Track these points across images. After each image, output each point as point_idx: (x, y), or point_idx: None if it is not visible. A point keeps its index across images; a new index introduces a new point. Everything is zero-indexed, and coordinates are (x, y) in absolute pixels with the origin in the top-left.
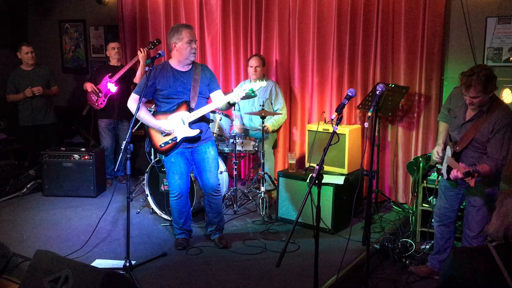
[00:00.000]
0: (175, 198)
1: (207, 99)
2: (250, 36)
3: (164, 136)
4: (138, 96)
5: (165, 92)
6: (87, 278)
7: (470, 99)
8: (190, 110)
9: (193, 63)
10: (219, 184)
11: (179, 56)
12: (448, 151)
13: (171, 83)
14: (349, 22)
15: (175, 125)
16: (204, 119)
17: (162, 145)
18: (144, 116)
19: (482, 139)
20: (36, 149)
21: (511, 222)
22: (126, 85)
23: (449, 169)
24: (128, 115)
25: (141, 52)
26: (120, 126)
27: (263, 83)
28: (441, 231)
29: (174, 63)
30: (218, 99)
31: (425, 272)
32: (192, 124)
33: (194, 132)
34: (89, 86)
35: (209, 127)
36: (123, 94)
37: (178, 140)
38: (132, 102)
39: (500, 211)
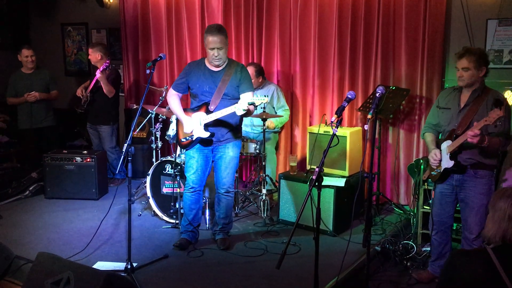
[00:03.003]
0: (187, 192)
1: (236, 101)
2: (251, 38)
3: (186, 132)
4: (174, 91)
5: (194, 90)
6: (89, 280)
7: (460, 72)
8: (207, 112)
9: (230, 62)
10: (232, 186)
11: (208, 58)
12: (445, 145)
13: (200, 82)
14: (350, 25)
15: (194, 124)
16: (225, 122)
17: (183, 140)
18: (175, 108)
19: (482, 119)
20: (36, 152)
21: (508, 226)
22: (101, 94)
23: (453, 156)
24: (105, 120)
25: (98, 74)
26: (100, 130)
27: (265, 99)
28: (438, 238)
29: (207, 62)
30: (242, 100)
31: (426, 278)
32: (210, 126)
33: (206, 134)
34: (77, 91)
35: (234, 129)
36: (98, 102)
37: (193, 139)
38: (168, 95)
39: (494, 215)
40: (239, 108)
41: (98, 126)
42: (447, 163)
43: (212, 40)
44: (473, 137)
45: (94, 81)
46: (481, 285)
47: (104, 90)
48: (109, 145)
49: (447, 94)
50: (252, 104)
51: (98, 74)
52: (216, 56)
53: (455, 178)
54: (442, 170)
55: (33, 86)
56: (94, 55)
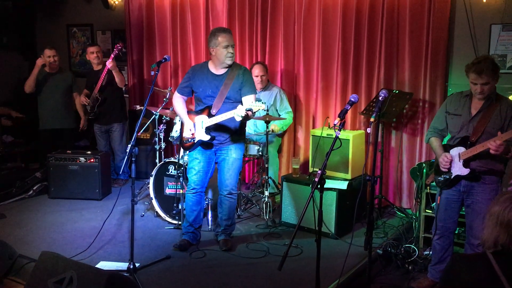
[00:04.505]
0: (189, 193)
1: (238, 104)
2: (255, 41)
3: (184, 136)
4: (178, 94)
5: (197, 94)
6: (92, 279)
7: (481, 87)
8: (209, 115)
9: (233, 66)
10: (235, 188)
11: (216, 60)
12: (456, 151)
13: (203, 85)
14: (354, 28)
15: (196, 127)
16: (227, 125)
17: (185, 142)
18: (179, 110)
19: (495, 127)
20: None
21: (500, 232)
22: (110, 91)
23: (466, 163)
24: (118, 118)
25: (110, 62)
26: (112, 129)
27: (262, 106)
28: (441, 242)
29: (211, 65)
30: (240, 106)
31: (427, 286)
32: (212, 129)
33: (207, 137)
34: (81, 99)
35: (236, 132)
36: (109, 101)
37: (195, 142)
38: (174, 98)
39: (489, 220)
40: (237, 114)
41: (110, 126)
42: (460, 170)
43: (227, 37)
44: (497, 148)
45: (103, 77)
46: None
47: (116, 79)
48: (119, 145)
49: (457, 100)
50: (250, 110)
51: (109, 63)
52: (232, 53)
53: (463, 184)
54: (452, 176)
55: (56, 86)
56: (100, 53)
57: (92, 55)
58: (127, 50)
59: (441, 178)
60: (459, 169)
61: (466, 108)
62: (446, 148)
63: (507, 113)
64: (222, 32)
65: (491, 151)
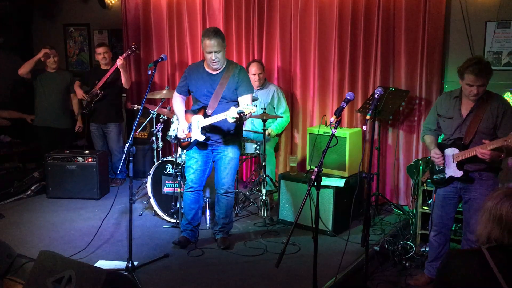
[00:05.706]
0: (187, 191)
1: (234, 103)
2: (252, 40)
3: (179, 136)
4: (177, 94)
5: (193, 93)
6: (90, 278)
7: (477, 89)
8: (205, 115)
9: (229, 65)
10: (231, 186)
11: (206, 61)
12: (450, 151)
13: (199, 85)
14: (350, 26)
15: (192, 126)
16: (223, 125)
17: (182, 141)
18: (177, 110)
19: (488, 126)
20: (48, 152)
21: (493, 227)
22: (112, 90)
23: (460, 165)
24: (114, 118)
25: (120, 61)
26: (108, 129)
27: (253, 109)
28: (438, 239)
29: (206, 65)
30: (232, 108)
31: (424, 282)
32: (208, 128)
33: (202, 137)
34: (79, 93)
35: (232, 131)
36: (109, 99)
37: (191, 141)
38: (173, 98)
39: (483, 215)
40: (229, 116)
41: (106, 125)
42: (454, 172)
43: (209, 43)
44: (483, 154)
45: (109, 73)
46: (477, 285)
47: (123, 79)
48: (116, 144)
49: (446, 101)
50: (242, 112)
51: (119, 61)
52: (213, 60)
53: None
54: (447, 177)
55: (54, 86)
56: (109, 54)
57: (99, 55)
58: (124, 49)
59: (436, 177)
60: (453, 171)
61: (456, 110)
62: (442, 147)
63: (498, 110)
64: (206, 38)
65: (480, 157)
